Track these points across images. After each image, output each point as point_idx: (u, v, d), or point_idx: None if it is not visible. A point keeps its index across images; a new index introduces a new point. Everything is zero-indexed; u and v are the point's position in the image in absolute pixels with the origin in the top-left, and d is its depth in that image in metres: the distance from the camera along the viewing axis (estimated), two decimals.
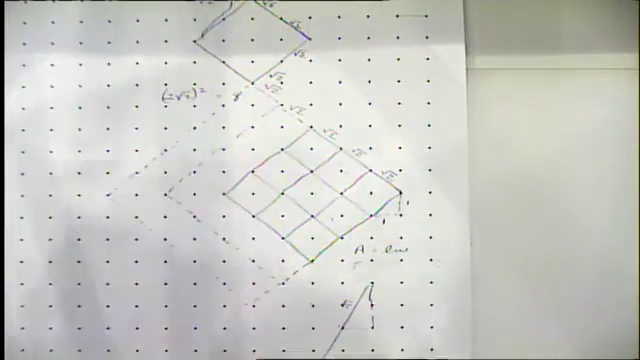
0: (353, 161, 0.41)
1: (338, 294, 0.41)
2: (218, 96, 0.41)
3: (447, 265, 0.41)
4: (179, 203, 0.40)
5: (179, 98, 0.41)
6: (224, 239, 0.40)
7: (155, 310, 0.40)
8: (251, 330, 0.40)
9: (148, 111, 0.40)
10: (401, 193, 0.41)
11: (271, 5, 0.40)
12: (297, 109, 0.41)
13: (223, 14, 0.40)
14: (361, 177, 0.41)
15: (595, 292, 0.42)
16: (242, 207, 0.40)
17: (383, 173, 0.41)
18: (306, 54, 0.41)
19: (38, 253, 0.40)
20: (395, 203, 0.41)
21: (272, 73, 0.41)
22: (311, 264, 0.40)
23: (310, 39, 0.41)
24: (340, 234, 0.41)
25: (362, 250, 0.41)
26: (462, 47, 0.40)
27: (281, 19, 0.41)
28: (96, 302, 0.40)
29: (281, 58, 0.41)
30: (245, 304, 0.40)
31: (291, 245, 0.40)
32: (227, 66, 0.41)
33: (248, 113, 0.41)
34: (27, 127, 0.40)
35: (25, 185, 0.40)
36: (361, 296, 0.41)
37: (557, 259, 0.42)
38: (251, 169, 0.41)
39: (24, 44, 0.40)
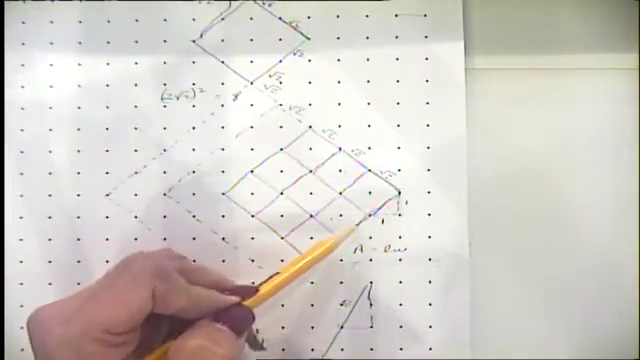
0: (352, 161, 0.41)
1: (337, 293, 0.41)
2: (217, 96, 0.41)
3: (446, 265, 0.41)
4: (178, 203, 0.40)
5: (178, 98, 0.41)
6: (223, 239, 0.40)
7: None
8: None
9: (147, 111, 0.40)
10: (400, 193, 0.41)
11: (270, 5, 0.40)
12: (296, 109, 0.41)
13: (222, 14, 0.40)
14: (360, 177, 0.41)
15: (595, 292, 0.42)
16: (241, 207, 0.40)
17: (382, 173, 0.41)
18: (305, 54, 0.41)
19: (38, 253, 0.40)
20: (394, 203, 0.41)
21: (271, 73, 0.41)
22: None
23: (309, 39, 0.41)
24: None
25: (361, 250, 0.41)
26: (461, 47, 0.40)
27: (280, 19, 0.40)
28: None
29: (280, 58, 0.41)
30: None
31: (290, 245, 0.40)
32: (226, 66, 0.41)
33: (247, 113, 0.41)
34: (26, 127, 0.40)
35: (25, 185, 0.40)
36: (360, 296, 0.41)
37: (557, 259, 0.42)
38: (250, 169, 0.41)
39: (23, 44, 0.40)
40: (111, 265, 0.39)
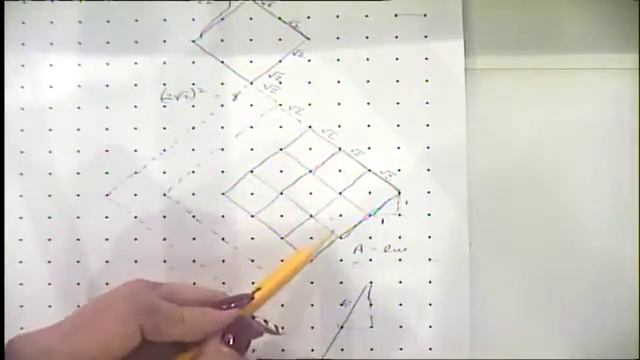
0: (352, 161, 0.41)
1: (337, 294, 0.41)
2: (217, 96, 0.41)
3: (446, 265, 0.41)
4: (178, 203, 0.40)
5: (178, 98, 0.41)
6: (223, 239, 0.40)
7: None
8: None
9: (147, 111, 0.40)
10: (400, 193, 0.41)
11: (269, 5, 0.40)
12: (296, 109, 0.41)
13: (222, 14, 0.40)
14: (360, 177, 0.41)
15: (595, 292, 0.42)
16: (241, 207, 0.40)
17: (382, 173, 0.41)
18: (305, 54, 0.41)
19: (38, 253, 0.40)
20: (394, 203, 0.41)
21: (271, 73, 0.41)
22: (310, 264, 0.40)
23: (309, 39, 0.41)
24: (339, 234, 0.41)
25: (361, 250, 0.41)
26: (461, 46, 0.40)
27: (280, 19, 0.40)
28: None
29: (280, 58, 0.41)
30: None
31: (290, 245, 0.40)
32: (226, 66, 0.41)
33: (247, 113, 0.41)
34: (26, 127, 0.40)
35: (24, 185, 0.40)
36: (360, 296, 0.41)
37: (556, 259, 0.42)
38: (250, 169, 0.41)
39: (23, 44, 0.40)
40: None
